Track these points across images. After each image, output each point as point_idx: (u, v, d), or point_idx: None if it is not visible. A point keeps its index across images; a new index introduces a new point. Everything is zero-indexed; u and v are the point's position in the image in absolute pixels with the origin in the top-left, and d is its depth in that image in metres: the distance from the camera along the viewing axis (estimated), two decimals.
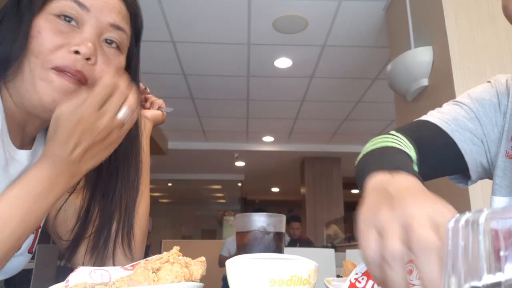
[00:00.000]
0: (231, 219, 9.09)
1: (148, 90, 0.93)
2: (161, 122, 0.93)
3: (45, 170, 0.58)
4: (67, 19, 0.66)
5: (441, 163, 0.82)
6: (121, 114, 0.61)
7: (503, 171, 0.78)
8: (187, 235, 10.87)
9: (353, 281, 0.48)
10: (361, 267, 0.49)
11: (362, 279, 0.47)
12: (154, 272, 0.45)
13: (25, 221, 0.56)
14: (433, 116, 0.83)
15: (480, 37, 2.14)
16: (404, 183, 0.47)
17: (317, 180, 7.47)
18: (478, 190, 1.89)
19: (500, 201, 0.79)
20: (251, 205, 11.12)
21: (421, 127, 0.81)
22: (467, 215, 0.28)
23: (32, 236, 0.74)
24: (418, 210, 0.39)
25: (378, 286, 0.45)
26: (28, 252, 0.74)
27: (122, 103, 0.61)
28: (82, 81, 0.66)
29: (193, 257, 0.50)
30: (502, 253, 0.25)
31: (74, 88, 0.65)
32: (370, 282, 0.46)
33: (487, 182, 0.86)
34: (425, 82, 2.38)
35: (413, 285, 0.44)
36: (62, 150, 0.58)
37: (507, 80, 0.84)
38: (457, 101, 0.85)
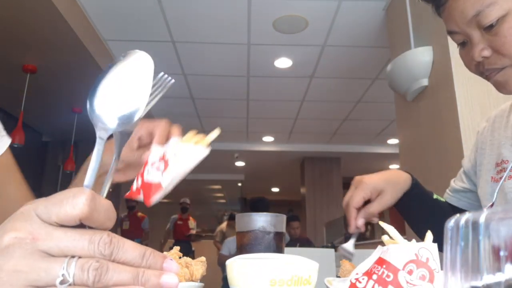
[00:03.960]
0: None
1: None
2: None
3: None
4: None
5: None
6: None
7: (490, 194, 0.89)
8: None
9: (353, 281, 0.48)
10: (362, 267, 0.49)
11: (363, 279, 0.47)
12: None
13: None
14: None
15: None
16: None
17: (317, 180, 7.47)
18: None
19: None
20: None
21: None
22: (467, 215, 0.28)
23: None
24: None
25: (378, 286, 0.45)
26: None
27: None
28: None
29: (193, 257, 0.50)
30: (502, 253, 0.25)
31: None
32: (371, 282, 0.46)
33: None
34: (425, 82, 2.38)
35: (414, 285, 0.44)
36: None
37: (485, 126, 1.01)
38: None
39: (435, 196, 0.98)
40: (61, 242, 0.30)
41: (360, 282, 0.47)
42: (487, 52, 0.74)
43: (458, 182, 1.04)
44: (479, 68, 0.78)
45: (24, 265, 0.29)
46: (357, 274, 0.49)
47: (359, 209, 0.88)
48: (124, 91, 0.38)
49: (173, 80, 0.49)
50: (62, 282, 0.29)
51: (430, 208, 0.97)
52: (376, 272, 0.46)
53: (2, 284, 0.28)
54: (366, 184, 0.88)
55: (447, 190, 1.06)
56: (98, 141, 0.37)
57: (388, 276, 0.45)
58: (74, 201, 0.30)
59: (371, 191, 0.87)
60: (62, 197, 0.31)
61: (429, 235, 0.51)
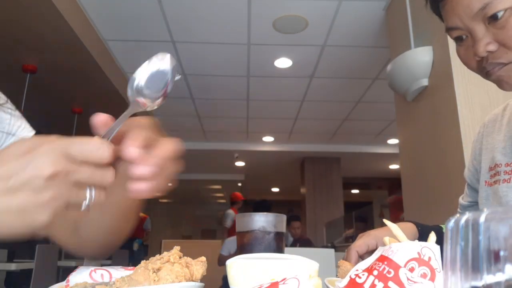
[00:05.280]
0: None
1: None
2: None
3: None
4: None
5: None
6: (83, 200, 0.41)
7: (485, 199, 0.90)
8: (187, 235, 10.86)
9: (353, 276, 0.48)
10: (363, 264, 0.49)
11: (363, 274, 0.47)
12: (154, 272, 0.45)
13: None
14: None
15: None
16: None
17: (317, 180, 7.47)
18: None
19: None
20: (251, 205, 11.11)
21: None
22: (467, 215, 0.28)
23: None
24: None
25: (378, 281, 0.45)
26: None
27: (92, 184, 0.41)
28: None
29: (193, 257, 0.50)
30: (502, 253, 0.25)
31: None
32: (371, 278, 0.46)
33: None
34: (425, 82, 2.38)
35: (414, 282, 0.44)
36: None
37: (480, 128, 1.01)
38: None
39: (444, 230, 0.99)
40: (85, 174, 0.40)
41: (360, 277, 0.47)
42: (493, 47, 0.71)
43: (465, 198, 1.04)
44: (481, 64, 0.75)
45: (62, 190, 0.38)
46: (357, 270, 0.49)
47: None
48: (155, 79, 0.48)
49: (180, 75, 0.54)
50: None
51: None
52: (377, 268, 0.46)
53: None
54: (371, 234, 0.88)
55: (458, 209, 1.06)
56: (131, 106, 0.47)
57: (389, 272, 0.45)
58: (100, 149, 0.40)
59: (376, 240, 0.87)
60: (87, 142, 0.40)
61: (432, 236, 0.51)
